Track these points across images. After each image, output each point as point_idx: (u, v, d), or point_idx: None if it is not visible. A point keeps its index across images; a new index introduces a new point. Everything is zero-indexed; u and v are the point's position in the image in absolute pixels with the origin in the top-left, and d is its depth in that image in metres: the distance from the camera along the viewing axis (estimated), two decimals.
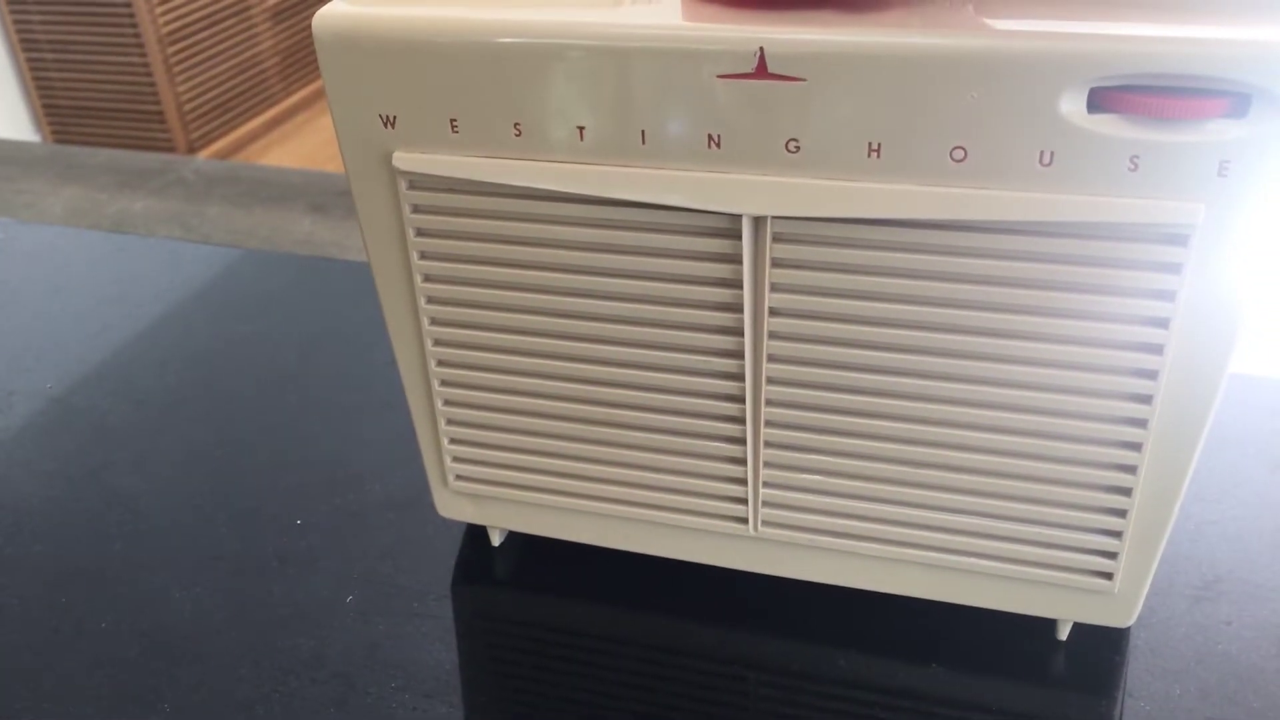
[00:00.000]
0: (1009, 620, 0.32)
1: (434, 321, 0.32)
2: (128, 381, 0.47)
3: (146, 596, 0.36)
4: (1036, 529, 0.29)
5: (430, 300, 0.31)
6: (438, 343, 0.32)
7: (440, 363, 0.32)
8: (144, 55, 2.19)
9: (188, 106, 2.28)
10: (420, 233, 0.30)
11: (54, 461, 0.43)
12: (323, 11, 0.28)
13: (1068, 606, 0.31)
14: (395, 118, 0.28)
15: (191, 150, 2.30)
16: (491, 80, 0.27)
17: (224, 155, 2.37)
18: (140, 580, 0.37)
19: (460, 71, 0.27)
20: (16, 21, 2.23)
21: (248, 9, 2.39)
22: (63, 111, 2.32)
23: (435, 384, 0.33)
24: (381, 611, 0.35)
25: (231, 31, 2.35)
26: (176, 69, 2.23)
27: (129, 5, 2.14)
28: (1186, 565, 0.34)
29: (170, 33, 2.20)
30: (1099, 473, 0.28)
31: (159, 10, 2.17)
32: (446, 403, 0.33)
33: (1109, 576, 0.30)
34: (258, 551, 0.37)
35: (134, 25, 2.16)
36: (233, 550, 0.37)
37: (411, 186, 0.29)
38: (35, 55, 2.27)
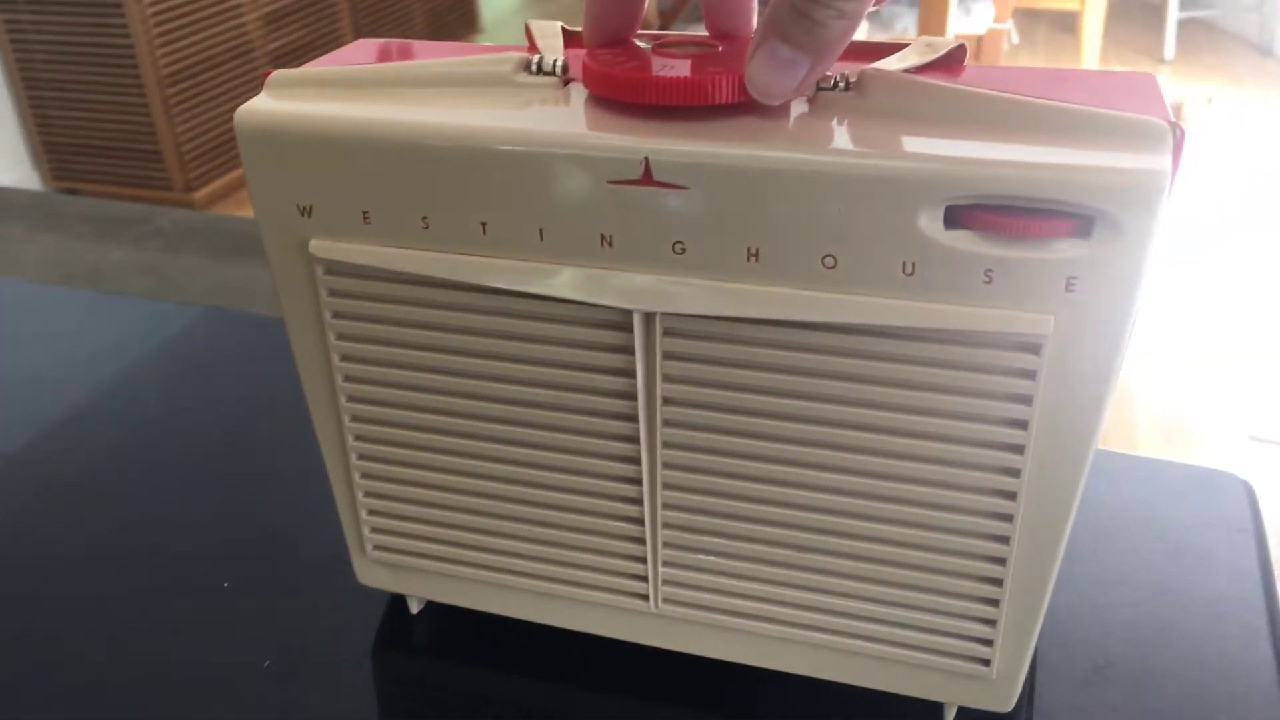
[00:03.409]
0: (900, 702, 0.33)
1: (351, 399, 0.33)
2: (77, 440, 0.48)
3: (68, 659, 0.37)
4: (916, 614, 0.31)
5: (347, 379, 0.33)
6: (355, 419, 0.33)
7: (358, 437, 0.34)
8: (143, 96, 2.23)
9: (186, 147, 2.31)
10: (336, 315, 0.32)
11: None
12: (245, 107, 0.29)
13: (950, 690, 0.32)
14: (311, 208, 0.30)
15: (188, 189, 2.33)
16: (400, 177, 0.28)
17: (220, 195, 2.40)
18: (63, 642, 0.38)
19: (371, 168, 0.29)
20: (19, 59, 2.27)
21: (249, 52, 2.43)
22: (62, 149, 2.36)
23: (353, 457, 0.34)
24: (298, 677, 0.36)
25: (232, 74, 2.38)
26: (175, 110, 2.26)
27: (130, 47, 2.18)
28: (1079, 649, 0.35)
29: (170, 74, 2.23)
30: (970, 563, 0.29)
31: (160, 52, 2.20)
32: (364, 475, 0.34)
33: (986, 663, 0.31)
34: (182, 615, 0.38)
35: (135, 66, 2.20)
36: (157, 614, 0.38)
37: (328, 272, 0.31)
38: (36, 94, 2.30)
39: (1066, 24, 3.30)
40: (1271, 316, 1.86)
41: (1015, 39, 3.21)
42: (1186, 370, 1.71)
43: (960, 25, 2.26)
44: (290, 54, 2.53)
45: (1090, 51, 2.71)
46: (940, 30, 1.97)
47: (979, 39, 2.40)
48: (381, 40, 0.33)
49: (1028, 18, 3.40)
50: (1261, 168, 2.42)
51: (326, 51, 0.30)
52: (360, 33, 2.77)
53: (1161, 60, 3.08)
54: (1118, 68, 3.00)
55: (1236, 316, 1.86)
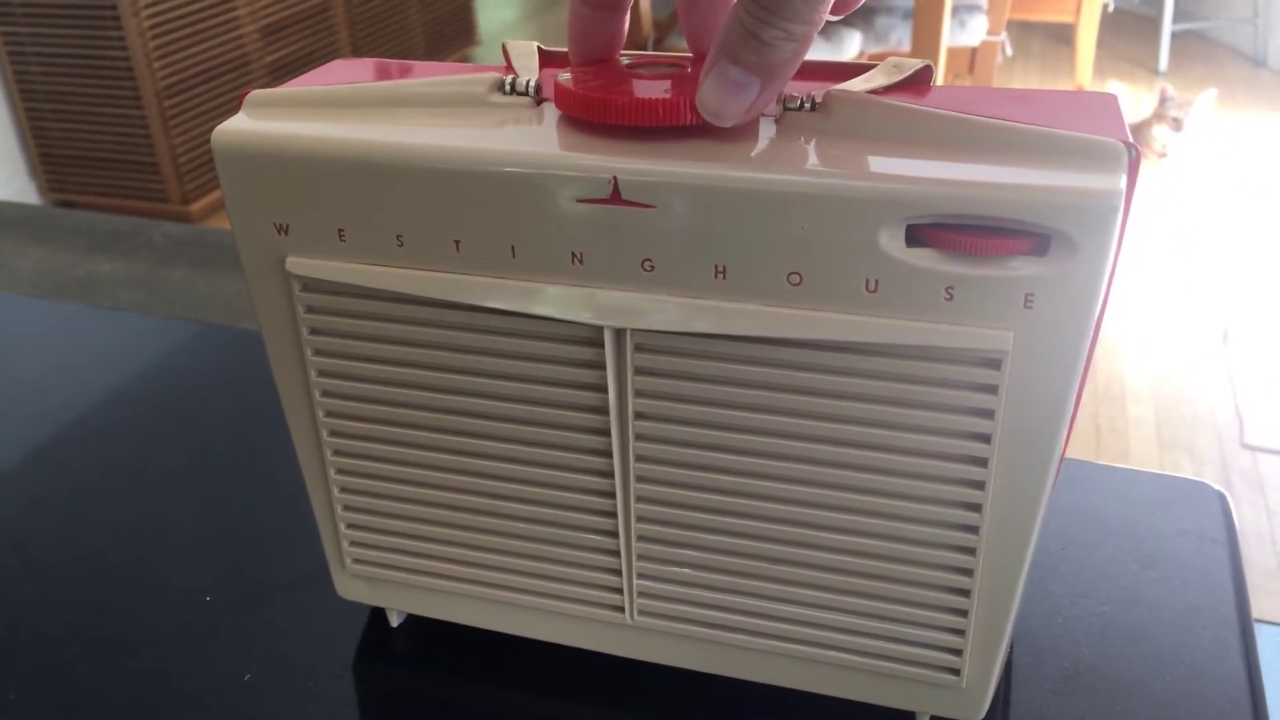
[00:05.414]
0: (872, 711, 0.33)
1: (329, 414, 0.33)
2: (63, 454, 0.49)
3: (54, 669, 0.37)
4: (886, 625, 0.31)
5: (325, 394, 0.33)
6: (333, 433, 0.34)
7: (335, 452, 0.34)
8: (140, 108, 2.24)
9: (183, 159, 2.32)
10: (313, 331, 0.32)
11: None
12: (222, 126, 0.30)
13: (921, 700, 0.32)
14: (288, 226, 0.30)
15: (185, 201, 2.33)
16: (375, 196, 0.29)
17: (217, 206, 2.40)
18: (51, 652, 0.38)
19: (347, 187, 0.29)
20: (16, 72, 2.27)
21: (247, 64, 2.44)
22: (59, 161, 2.36)
23: (331, 472, 0.34)
24: (277, 690, 0.36)
25: (229, 87, 2.39)
26: (173, 122, 2.27)
27: (127, 59, 2.19)
28: (1051, 659, 0.36)
29: (168, 87, 2.24)
30: (938, 574, 0.30)
31: (157, 64, 2.21)
32: (342, 490, 0.35)
33: (956, 672, 0.31)
34: (165, 627, 0.39)
35: (132, 78, 2.21)
36: (141, 625, 0.39)
37: (304, 289, 0.31)
38: (33, 105, 2.31)
39: (1061, 36, 3.32)
40: (1267, 325, 1.87)
41: (1009, 51, 3.22)
42: (1180, 377, 1.72)
43: (954, 38, 2.27)
44: (288, 66, 2.54)
45: (1084, 63, 2.73)
46: (935, 42, 1.98)
47: (973, 51, 2.42)
48: (359, 60, 0.34)
49: (1022, 30, 3.41)
50: (1256, 177, 2.43)
51: (312, 68, 0.30)
52: (358, 45, 2.78)
53: (1156, 72, 3.10)
54: (1112, 80, 3.02)
55: (1232, 325, 1.86)
